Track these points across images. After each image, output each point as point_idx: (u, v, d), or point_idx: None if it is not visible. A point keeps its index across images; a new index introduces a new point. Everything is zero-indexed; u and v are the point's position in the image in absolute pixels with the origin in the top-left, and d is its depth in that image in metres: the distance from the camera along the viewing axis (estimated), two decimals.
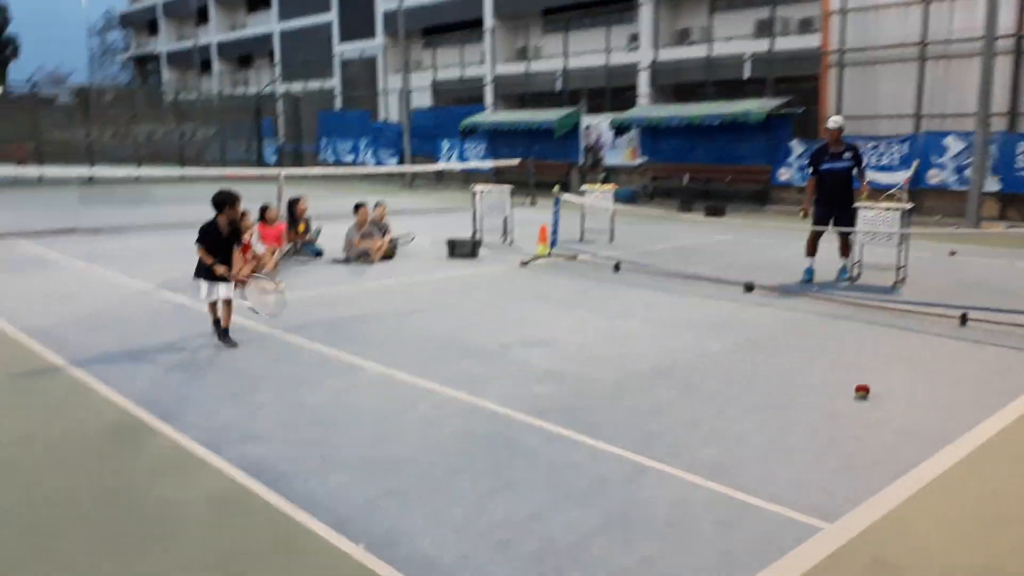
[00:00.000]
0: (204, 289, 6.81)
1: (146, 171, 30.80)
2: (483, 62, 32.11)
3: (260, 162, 35.85)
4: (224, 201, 6.78)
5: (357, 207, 11.59)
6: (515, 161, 23.32)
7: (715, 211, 18.68)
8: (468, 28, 34.19)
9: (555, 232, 11.75)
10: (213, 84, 51.99)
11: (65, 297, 8.87)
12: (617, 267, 10.90)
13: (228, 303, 6.85)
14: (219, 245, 6.80)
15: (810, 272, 9.98)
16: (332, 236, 12.02)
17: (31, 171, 24.49)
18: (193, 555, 3.43)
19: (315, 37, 44.77)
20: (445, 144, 29.75)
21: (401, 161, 29.89)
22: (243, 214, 8.63)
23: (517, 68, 30.70)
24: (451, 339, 7.15)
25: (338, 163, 34.20)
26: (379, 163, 31.89)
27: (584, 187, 14.29)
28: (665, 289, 9.65)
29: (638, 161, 23.95)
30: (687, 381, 5.96)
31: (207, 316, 7.08)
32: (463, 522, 3.74)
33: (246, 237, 9.42)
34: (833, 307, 8.65)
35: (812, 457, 4.56)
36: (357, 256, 11.28)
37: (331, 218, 13.70)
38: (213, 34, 54.28)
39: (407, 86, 29.31)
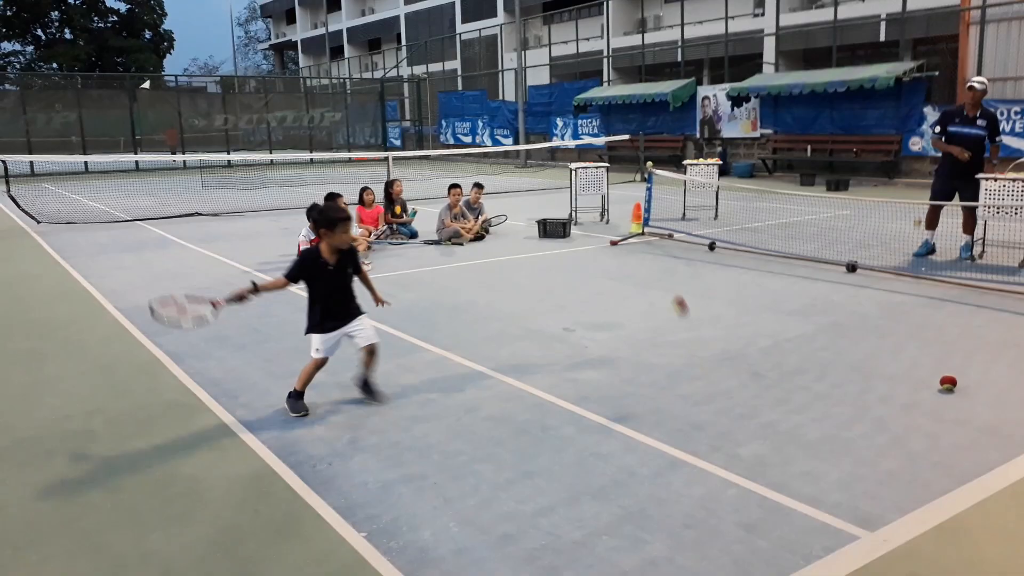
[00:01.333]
0: (318, 342, 5.01)
1: (278, 155, 32.47)
2: (601, 36, 31.51)
3: (384, 145, 36.89)
4: (332, 221, 4.84)
5: (450, 188, 11.65)
6: (625, 137, 22.75)
7: (838, 185, 17.54)
8: (587, 1, 33.67)
9: (648, 210, 11.35)
10: (344, 69, 53.91)
11: (168, 277, 9.40)
12: (712, 246, 10.41)
13: (372, 350, 5.07)
14: (325, 279, 4.92)
15: (927, 246, 9.15)
16: (431, 217, 12.16)
17: (177, 158, 26.34)
18: (201, 534, 3.51)
19: (439, 18, 45.54)
20: (559, 122, 29.48)
21: (516, 140, 29.91)
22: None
23: (636, 40, 29.93)
24: (516, 321, 7.04)
25: (457, 144, 34.68)
26: (495, 143, 32.06)
27: (686, 162, 13.70)
28: (760, 270, 9.12)
29: (758, 133, 22.83)
30: (753, 368, 5.58)
31: (295, 298, 7.25)
32: (471, 513, 3.64)
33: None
34: (942, 289, 7.89)
35: (870, 455, 4.14)
36: (448, 237, 11.34)
37: (441, 199, 13.78)
38: (344, 20, 56.19)
39: (522, 64, 29.18)
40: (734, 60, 26.07)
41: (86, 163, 30.46)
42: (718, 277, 8.81)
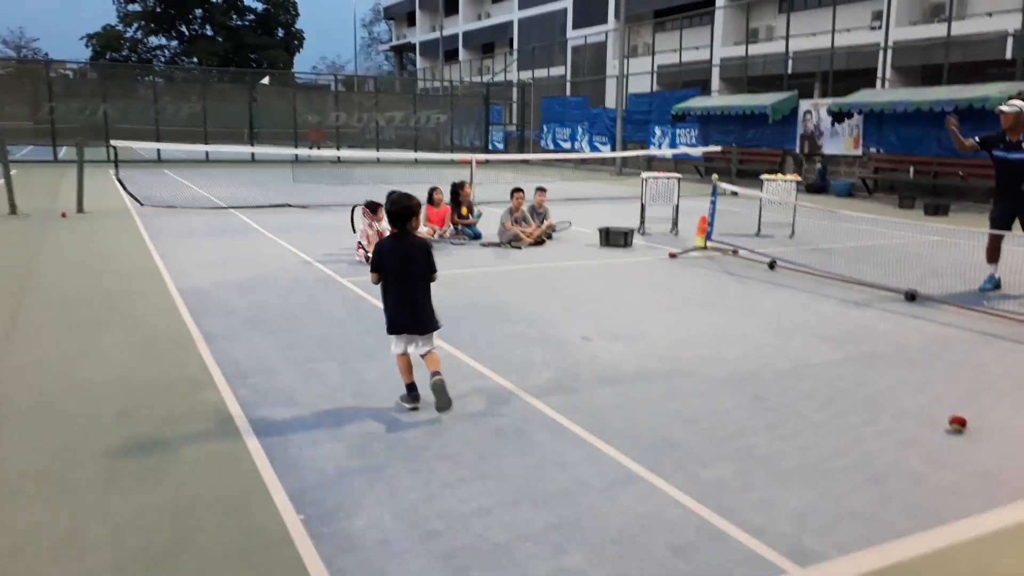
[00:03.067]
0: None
1: (384, 154, 33.54)
2: (710, 45, 30.92)
3: (487, 148, 37.46)
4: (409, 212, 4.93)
5: (513, 192, 11.76)
6: (718, 148, 22.24)
7: (936, 209, 16.56)
8: (698, 8, 33.11)
9: (711, 224, 11.09)
10: (457, 72, 55.04)
11: (236, 263, 9.93)
12: (772, 265, 10.09)
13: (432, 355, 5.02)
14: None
15: (992, 280, 8.57)
16: (497, 220, 12.32)
17: (314, 153, 27.58)
18: (159, 501, 3.74)
19: (551, 24, 45.82)
20: (657, 130, 29.12)
21: (614, 148, 29.74)
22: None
23: (747, 50, 29.20)
24: (539, 326, 7.07)
25: (556, 149, 34.80)
26: (593, 149, 31.99)
27: (763, 177, 13.30)
28: (813, 292, 8.77)
29: (859, 151, 21.82)
30: (759, 391, 5.41)
31: (343, 289, 7.53)
32: (409, 507, 3.72)
33: (380, 226, 9.87)
34: (998, 325, 7.37)
35: (841, 489, 3.96)
36: (508, 240, 11.46)
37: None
38: (461, 24, 57.37)
39: (623, 71, 28.97)
40: (847, 74, 25.04)
41: (207, 153, 32.51)
42: (766, 297, 8.54)
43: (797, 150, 23.84)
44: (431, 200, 12.05)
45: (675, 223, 13.36)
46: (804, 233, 13.17)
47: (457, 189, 12.30)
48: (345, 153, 32.32)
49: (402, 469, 4.13)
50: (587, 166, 32.83)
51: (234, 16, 70.83)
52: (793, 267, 10.00)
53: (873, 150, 21.47)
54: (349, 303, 7.85)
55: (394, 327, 5.02)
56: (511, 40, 50.27)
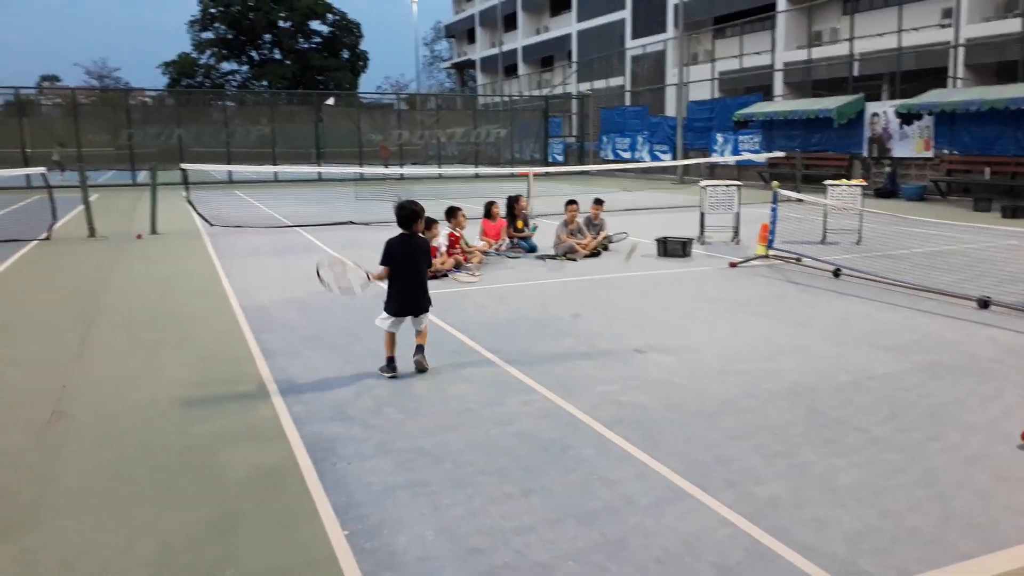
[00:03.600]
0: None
1: (446, 169, 33.92)
2: (771, 49, 30.34)
3: (546, 160, 37.52)
4: (414, 216, 6.03)
5: (567, 204, 11.73)
6: (781, 154, 21.74)
7: (1015, 212, 15.81)
8: (759, 13, 32.55)
9: (772, 232, 10.83)
10: (516, 87, 55.35)
11: (298, 280, 10.13)
12: (837, 273, 9.78)
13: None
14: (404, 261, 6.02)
15: None
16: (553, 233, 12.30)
17: (382, 170, 28.14)
18: (208, 516, 3.83)
19: (609, 35, 45.70)
20: (719, 137, 28.67)
21: (675, 156, 29.42)
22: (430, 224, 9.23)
23: (809, 54, 28.55)
24: (589, 339, 7.00)
25: (616, 159, 34.61)
26: (654, 158, 31.69)
27: (827, 182, 12.92)
28: (879, 301, 8.47)
29: (931, 153, 21.03)
30: (816, 405, 5.24)
31: None
32: (452, 524, 3.71)
33: (435, 241, 9.99)
34: None
35: (900, 508, 3.79)
36: (563, 253, 11.41)
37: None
38: (520, 39, 57.72)
39: (682, 78, 28.65)
40: (917, 74, 24.20)
41: (275, 173, 33.46)
42: (828, 306, 8.28)
43: (865, 154, 23.14)
44: (488, 214, 12.12)
45: (736, 231, 13.11)
46: (871, 240, 12.75)
47: (512, 202, 12.33)
48: (408, 170, 32.87)
49: (447, 484, 4.13)
50: (648, 176, 32.53)
51: (301, 39, 72.83)
52: (858, 275, 9.67)
53: (945, 152, 20.67)
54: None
55: (398, 311, 6.04)
56: (569, 52, 50.30)
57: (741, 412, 5.14)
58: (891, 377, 5.82)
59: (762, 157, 23.85)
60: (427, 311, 6.15)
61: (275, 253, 12.59)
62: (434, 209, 10.26)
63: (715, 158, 27.45)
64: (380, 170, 31.13)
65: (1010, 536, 3.54)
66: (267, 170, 31.21)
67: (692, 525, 3.67)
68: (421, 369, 6.05)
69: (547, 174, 34.09)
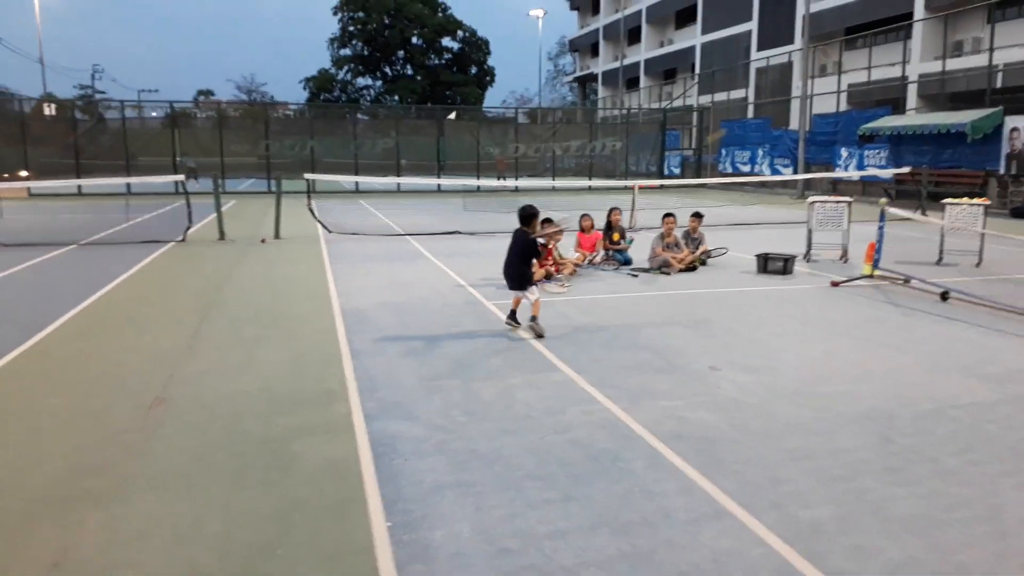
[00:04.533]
0: (535, 292, 7.88)
1: (560, 182, 34.20)
2: (903, 61, 28.85)
3: (661, 173, 37.11)
4: (531, 216, 7.96)
5: (664, 217, 11.65)
6: (905, 170, 20.63)
7: None
8: (893, 23, 31.05)
9: (879, 251, 10.36)
10: (637, 99, 55.02)
11: (399, 285, 10.58)
12: (944, 296, 9.26)
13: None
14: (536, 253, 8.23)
15: None
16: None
17: (497, 183, 28.88)
18: (272, 501, 4.14)
19: (734, 47, 44.75)
20: (843, 152, 27.48)
21: (795, 170, 28.44)
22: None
23: (944, 64, 26.99)
24: (667, 354, 6.98)
25: (735, 173, 33.81)
26: (774, 172, 30.74)
27: (945, 201, 12.22)
28: (988, 327, 7.98)
29: None
30: (889, 432, 5.04)
31: (486, 312, 8.04)
32: (489, 524, 3.86)
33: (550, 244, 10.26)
34: None
35: (953, 542, 3.63)
36: (658, 266, 11.34)
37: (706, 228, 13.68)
38: (643, 52, 57.42)
39: (807, 91, 27.71)
40: None
41: (398, 184, 34.77)
42: (929, 331, 7.87)
43: (1002, 171, 21.60)
44: (581, 227, 12.21)
45: (845, 250, 12.61)
46: (994, 263, 11.96)
47: (609, 215, 12.36)
48: (522, 183, 33.33)
49: (494, 487, 4.28)
50: (766, 191, 31.58)
51: (432, 56, 75.27)
52: (969, 299, 9.13)
53: None
54: (488, 324, 8.15)
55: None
56: (693, 65, 49.58)
57: (808, 435, 5.03)
58: (979, 407, 5.52)
59: (887, 173, 22.70)
60: (517, 289, 7.87)
61: (383, 260, 13.14)
62: (511, 222, 10.46)
63: (838, 173, 26.32)
64: (495, 182, 31.71)
65: None
66: (389, 181, 32.55)
67: (726, 543, 3.66)
68: (536, 335, 7.62)
69: (661, 187, 33.77)
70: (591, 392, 5.90)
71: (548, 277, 10.52)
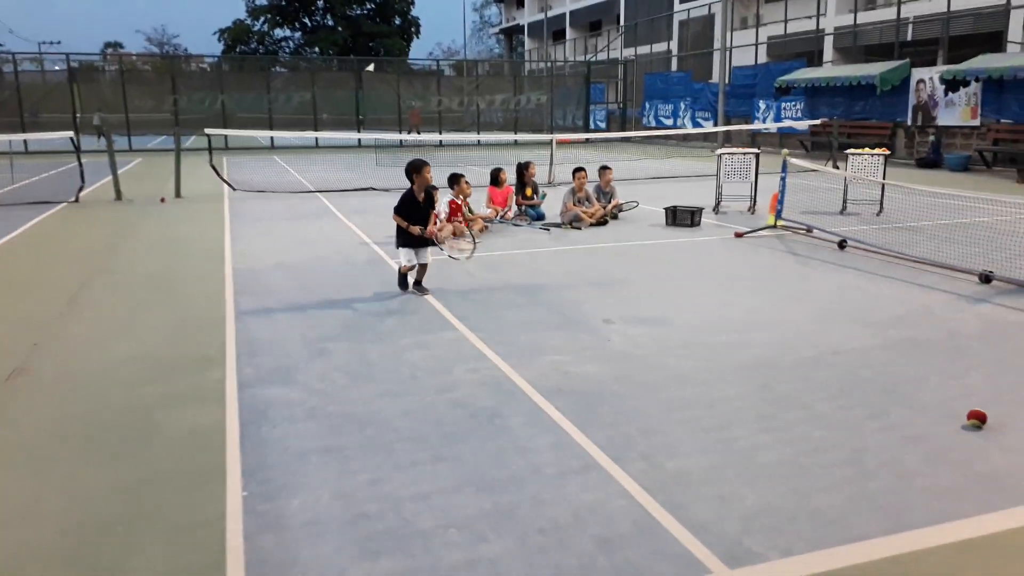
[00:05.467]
0: (404, 255, 7.41)
1: (484, 136, 33.73)
2: (817, 14, 29.23)
3: (587, 127, 37.04)
4: (413, 169, 7.39)
5: (575, 172, 11.55)
6: (817, 122, 21.03)
7: None
8: None
9: (781, 202, 10.50)
10: (563, 52, 54.58)
11: (299, 244, 10.22)
12: (842, 244, 9.46)
13: (425, 265, 7.55)
14: (416, 212, 7.36)
15: None
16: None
17: (409, 137, 28.28)
18: (125, 476, 3.89)
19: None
20: (761, 104, 27.85)
21: (716, 123, 28.72)
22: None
23: (859, 17, 27.42)
24: (564, 308, 6.92)
25: (658, 126, 33.97)
26: (696, 125, 31.00)
27: (848, 151, 12.45)
28: (878, 274, 8.17)
29: (978, 121, 20.06)
30: (769, 381, 5.08)
31: (387, 271, 7.78)
32: (351, 489, 3.72)
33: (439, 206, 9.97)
34: None
35: (812, 487, 3.67)
36: (569, 221, 11.27)
37: (628, 181, 13.73)
38: (568, 3, 56.75)
39: (725, 44, 27.86)
40: (973, 39, 23.02)
41: (316, 139, 33.75)
42: (823, 279, 8.02)
43: (909, 122, 22.22)
44: (495, 180, 12.01)
45: (754, 201, 12.77)
46: (895, 211, 12.27)
47: (522, 169, 12.20)
48: (447, 136, 32.78)
49: (362, 451, 4.14)
50: (690, 143, 31.87)
51: (354, 6, 72.87)
52: (866, 248, 9.33)
53: (993, 120, 19.70)
54: (388, 285, 7.93)
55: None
56: (618, 17, 49.30)
57: (688, 385, 5.03)
58: (857, 353, 5.62)
59: (802, 125, 23.10)
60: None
61: (287, 218, 12.71)
62: (439, 178, 10.20)
63: (756, 125, 26.68)
64: (418, 137, 31.09)
65: (916, 519, 3.39)
66: (303, 136, 31.55)
67: (589, 496, 3.62)
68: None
69: (586, 140, 33.70)
70: (481, 350, 5.78)
71: (456, 234, 10.32)
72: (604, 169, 12.18)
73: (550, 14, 55.79)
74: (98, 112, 32.92)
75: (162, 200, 14.91)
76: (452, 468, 3.93)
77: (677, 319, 6.57)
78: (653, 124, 34.84)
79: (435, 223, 10.04)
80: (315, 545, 3.26)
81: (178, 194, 15.51)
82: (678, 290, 7.63)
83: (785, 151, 10.67)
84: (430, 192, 7.46)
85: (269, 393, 4.97)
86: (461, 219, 10.60)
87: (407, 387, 5.06)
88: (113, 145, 15.90)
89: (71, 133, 16.11)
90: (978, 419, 4.28)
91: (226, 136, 30.83)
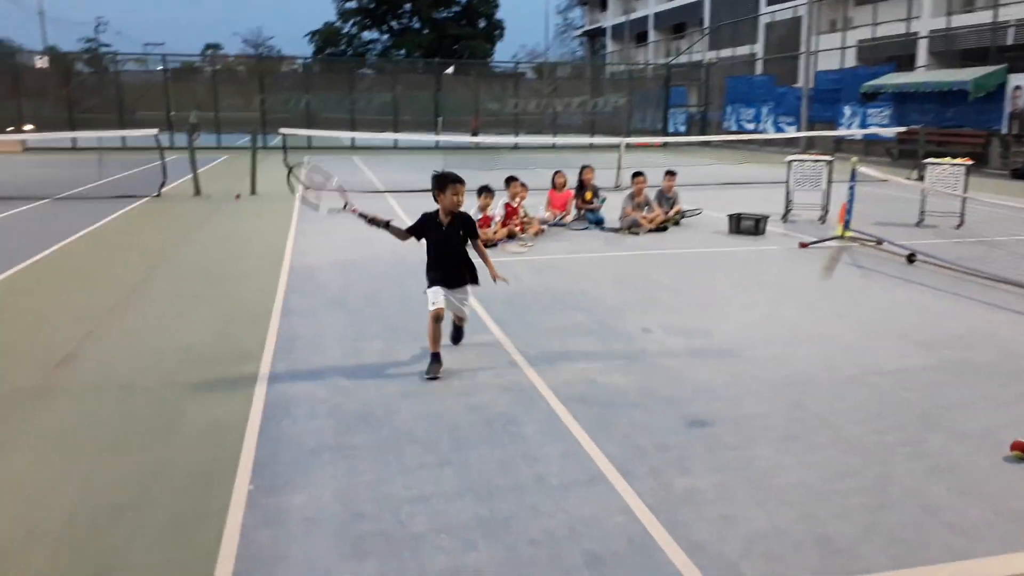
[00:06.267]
0: (433, 296, 5.38)
1: (561, 139, 33.64)
2: (906, 17, 28.00)
3: (665, 130, 36.49)
4: (435, 185, 5.38)
5: (634, 176, 11.38)
6: (902, 128, 20.12)
7: None
8: None
9: (849, 212, 10.06)
10: (646, 55, 53.95)
11: (359, 243, 10.35)
12: (911, 258, 9.01)
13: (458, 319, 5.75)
14: (438, 240, 5.45)
15: None
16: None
17: (476, 139, 28.58)
18: (143, 465, 4.03)
19: (744, 1, 43.52)
20: (847, 110, 26.84)
21: (799, 129, 27.85)
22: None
23: (953, 20, 26.13)
24: (603, 316, 6.81)
25: (739, 131, 33.18)
26: (778, 130, 30.13)
27: (927, 160, 11.85)
28: (945, 291, 7.75)
29: None
30: (802, 398, 4.88)
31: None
32: (354, 488, 3.74)
33: (490, 212, 10.00)
34: None
35: (824, 514, 3.49)
36: (627, 226, 11.11)
37: (684, 187, 13.41)
38: (651, 5, 56.07)
39: (810, 47, 26.96)
40: None
41: (395, 140, 34.35)
42: (883, 294, 7.65)
43: (1004, 131, 21.01)
44: (554, 184, 11.96)
45: (825, 210, 12.31)
46: (977, 224, 11.62)
47: (581, 173, 12.10)
48: (522, 139, 32.84)
49: (373, 451, 4.16)
50: (772, 148, 30.99)
51: (440, 9, 73.92)
52: (937, 263, 8.86)
53: None
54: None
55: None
56: (702, 20, 48.40)
57: (716, 400, 4.87)
58: (903, 373, 5.33)
59: (889, 131, 22.15)
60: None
61: (352, 218, 12.92)
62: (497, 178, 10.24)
63: (839, 131, 25.73)
64: (492, 139, 31.25)
65: (932, 555, 3.19)
66: (382, 137, 32.16)
67: (589, 510, 3.54)
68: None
69: (664, 144, 33.20)
70: (511, 354, 5.75)
71: (511, 236, 10.32)
72: (668, 174, 11.96)
73: (634, 16, 55.28)
74: (194, 110, 34.42)
75: (237, 197, 15.43)
76: (457, 473, 3.91)
77: (718, 331, 6.39)
78: (734, 128, 34.04)
79: (488, 225, 10.12)
80: (308, 542, 3.29)
81: (253, 191, 16.01)
82: (725, 301, 7.41)
83: (854, 159, 10.22)
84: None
85: (296, 389, 5.07)
86: (517, 222, 10.60)
87: (429, 388, 5.08)
88: (194, 143, 16.53)
89: (154, 131, 16.81)
90: (1023, 450, 3.99)
91: (309, 136, 31.89)
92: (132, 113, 34.29)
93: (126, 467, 4.00)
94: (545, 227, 11.09)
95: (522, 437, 4.32)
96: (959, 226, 11.53)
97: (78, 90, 33.17)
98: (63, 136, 27.80)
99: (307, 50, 76.06)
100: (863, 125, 25.65)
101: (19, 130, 29.08)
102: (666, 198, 11.86)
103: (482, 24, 75.15)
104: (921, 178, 17.52)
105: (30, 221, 12.33)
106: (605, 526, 3.41)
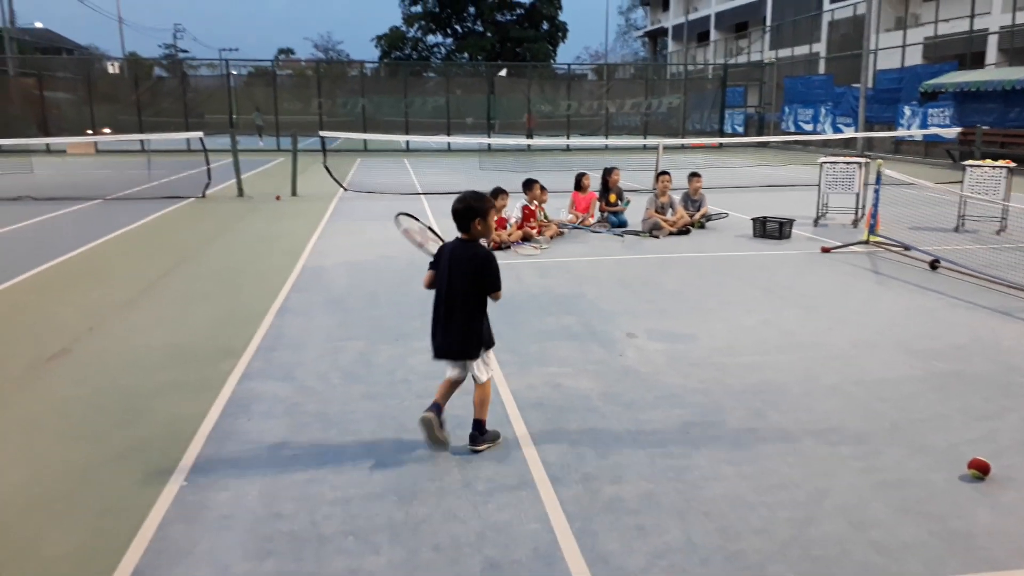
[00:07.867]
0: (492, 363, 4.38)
1: (613, 141, 33.40)
2: (972, 13, 26.81)
3: (721, 131, 35.82)
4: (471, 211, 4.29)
5: (658, 176, 11.20)
6: (959, 129, 19.26)
7: None
8: None
9: (875, 216, 9.69)
10: (707, 55, 53.11)
11: (375, 244, 10.46)
12: (934, 265, 8.62)
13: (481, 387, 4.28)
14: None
15: None
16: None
17: (529, 141, 28.59)
18: (89, 455, 4.16)
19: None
20: (906, 110, 25.85)
21: (856, 129, 26.96)
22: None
23: (1013, 18, 24.93)
24: (593, 319, 6.72)
25: (797, 132, 32.33)
26: (836, 131, 29.24)
27: (967, 163, 11.32)
28: (961, 299, 7.39)
29: None
30: (766, 408, 4.72)
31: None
32: (282, 487, 3.78)
33: (506, 213, 10.01)
34: None
35: (746, 528, 3.37)
36: (648, 229, 10.94)
37: (723, 189, 13.26)
38: (713, 5, 55.22)
39: (868, 45, 26.06)
40: None
41: (448, 143, 34.63)
42: (893, 302, 7.34)
43: None
44: (579, 186, 11.88)
45: (858, 214, 11.89)
46: (1021, 230, 11.04)
47: (606, 175, 11.98)
48: (574, 141, 32.74)
49: (314, 450, 4.21)
50: (828, 150, 30.10)
51: (504, 12, 74.23)
52: (961, 270, 8.45)
53: None
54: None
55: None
56: (764, 18, 47.37)
57: (680, 407, 4.75)
58: (883, 384, 5.10)
59: (949, 132, 21.24)
60: (460, 357, 4.35)
61: (381, 218, 13.06)
62: (553, 181, 10.22)
63: (897, 132, 24.81)
64: (546, 141, 31.24)
65: (843, 574, 3.04)
66: (433, 140, 32.48)
67: (505, 516, 3.50)
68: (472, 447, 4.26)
69: (720, 145, 32.61)
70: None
71: (526, 239, 10.29)
72: (693, 176, 11.74)
73: (695, 16, 54.49)
74: (257, 112, 35.42)
75: (277, 198, 15.79)
76: (387, 475, 3.92)
77: (704, 336, 6.23)
78: (792, 129, 33.17)
79: (503, 227, 10.11)
80: (217, 539, 3.34)
81: (294, 192, 16.37)
82: (724, 306, 7.22)
83: (879, 161, 9.83)
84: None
85: (262, 388, 5.15)
86: (534, 224, 10.56)
87: (393, 391, 5.10)
88: (237, 145, 17.02)
89: (200, 134, 17.37)
90: (979, 469, 3.77)
91: (365, 140, 32.47)
92: (199, 116, 35.52)
93: (76, 457, 4.13)
94: (565, 230, 11.02)
95: (462, 439, 4.30)
96: (1000, 232, 10.98)
97: (146, 94, 34.47)
98: (130, 139, 28.94)
99: (374, 55, 77.22)
100: (923, 126, 24.67)
101: (96, 133, 30.52)
102: (692, 201, 11.64)
103: (545, 27, 75.18)
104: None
105: (75, 221, 12.87)
106: (515, 533, 3.37)
